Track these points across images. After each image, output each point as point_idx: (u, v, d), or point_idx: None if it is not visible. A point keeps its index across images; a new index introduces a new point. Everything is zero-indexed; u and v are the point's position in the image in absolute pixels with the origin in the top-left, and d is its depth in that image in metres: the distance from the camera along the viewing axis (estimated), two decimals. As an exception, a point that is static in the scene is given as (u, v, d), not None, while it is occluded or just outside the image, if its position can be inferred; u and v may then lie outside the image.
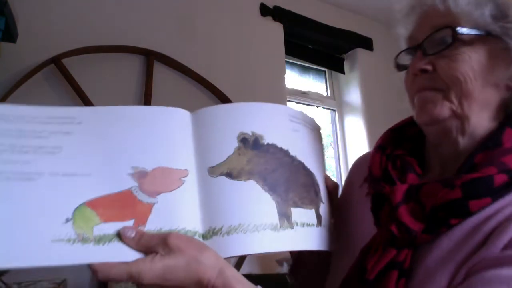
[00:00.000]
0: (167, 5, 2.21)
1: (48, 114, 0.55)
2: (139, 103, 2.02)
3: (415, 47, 0.62)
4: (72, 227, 0.50)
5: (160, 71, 2.10)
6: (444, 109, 0.59)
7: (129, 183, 0.54)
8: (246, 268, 2.02)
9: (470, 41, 0.59)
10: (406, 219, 0.55)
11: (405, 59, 0.67)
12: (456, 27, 0.58)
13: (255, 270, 2.07)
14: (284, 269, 1.94)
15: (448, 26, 0.59)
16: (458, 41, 0.58)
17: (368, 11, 2.93)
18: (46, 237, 0.49)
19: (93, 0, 2.02)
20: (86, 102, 1.82)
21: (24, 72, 1.72)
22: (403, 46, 0.68)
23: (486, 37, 0.59)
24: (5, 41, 1.58)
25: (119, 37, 2.01)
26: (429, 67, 0.60)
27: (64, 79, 1.83)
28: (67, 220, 0.50)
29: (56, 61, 1.80)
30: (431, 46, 0.60)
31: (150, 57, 2.06)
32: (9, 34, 1.55)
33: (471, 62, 0.58)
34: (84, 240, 0.50)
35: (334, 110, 2.98)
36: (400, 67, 0.68)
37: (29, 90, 1.76)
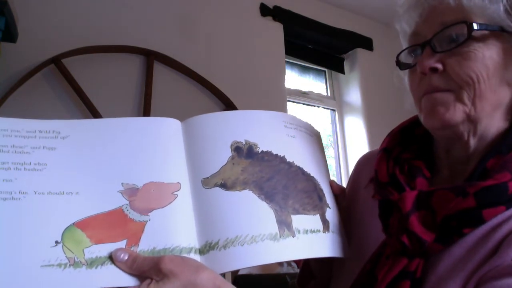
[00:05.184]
0: (167, 5, 2.21)
1: (29, 128, 0.52)
2: (139, 103, 2.02)
3: (423, 44, 0.58)
4: (62, 250, 0.47)
5: (160, 71, 2.10)
6: (457, 113, 0.56)
7: (120, 201, 0.51)
8: (245, 268, 2.02)
9: (482, 38, 0.55)
10: (417, 229, 0.53)
11: (409, 58, 0.63)
12: (471, 22, 0.54)
13: (255, 270, 2.07)
14: (284, 269, 1.93)
15: (462, 22, 0.55)
16: (471, 37, 0.55)
17: (368, 11, 2.93)
18: (34, 262, 0.45)
19: (93, 0, 2.02)
20: (86, 102, 1.82)
21: (24, 72, 1.72)
22: (404, 43, 0.64)
23: (499, 33, 0.55)
24: (5, 41, 1.59)
25: (119, 37, 2.01)
26: (439, 66, 0.56)
27: (64, 79, 1.83)
28: (57, 243, 0.47)
29: (56, 61, 1.80)
30: (441, 43, 0.56)
31: (150, 57, 2.06)
32: (9, 34, 1.55)
33: (484, 60, 0.55)
34: (76, 264, 0.47)
35: (334, 110, 2.98)
36: (403, 66, 0.64)
37: (29, 90, 1.76)
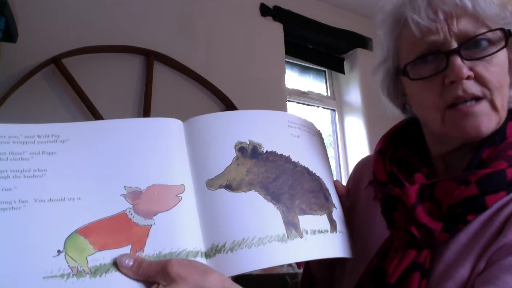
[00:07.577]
0: (167, 5, 2.21)
1: (27, 133, 0.51)
2: (139, 103, 2.02)
3: (447, 52, 0.56)
4: (64, 260, 0.45)
5: (160, 71, 2.10)
6: (492, 122, 0.56)
7: (123, 205, 0.50)
8: (246, 268, 2.01)
9: (497, 42, 0.56)
10: (425, 220, 0.54)
11: (424, 66, 0.58)
12: (508, 29, 0.55)
13: (255, 271, 2.06)
14: (284, 269, 1.93)
15: (498, 29, 0.56)
16: (492, 43, 0.56)
17: (368, 11, 2.93)
18: (36, 274, 0.44)
19: (93, 0, 2.02)
20: (86, 102, 1.82)
21: (24, 72, 1.72)
22: (410, 49, 0.60)
23: (507, 37, 0.57)
24: (5, 41, 1.59)
25: (119, 37, 2.01)
26: (471, 73, 0.55)
27: (64, 79, 1.82)
28: (59, 252, 0.46)
29: (56, 61, 1.80)
30: (469, 50, 0.56)
31: (150, 57, 2.06)
32: (9, 34, 1.55)
33: (503, 64, 0.57)
34: (79, 273, 0.45)
35: (334, 110, 2.98)
36: (415, 75, 0.59)
37: (29, 90, 1.76)
